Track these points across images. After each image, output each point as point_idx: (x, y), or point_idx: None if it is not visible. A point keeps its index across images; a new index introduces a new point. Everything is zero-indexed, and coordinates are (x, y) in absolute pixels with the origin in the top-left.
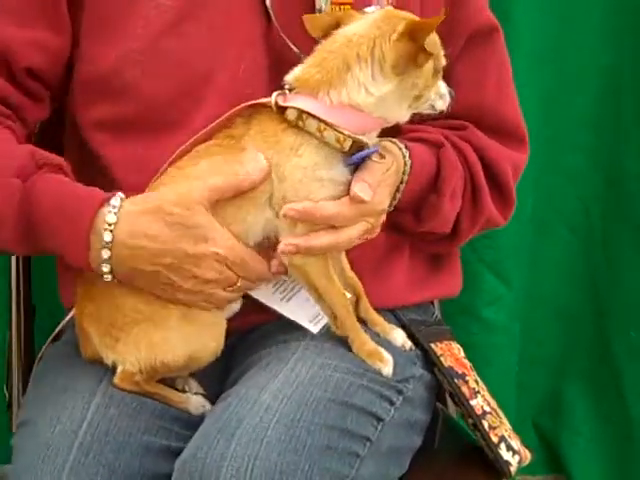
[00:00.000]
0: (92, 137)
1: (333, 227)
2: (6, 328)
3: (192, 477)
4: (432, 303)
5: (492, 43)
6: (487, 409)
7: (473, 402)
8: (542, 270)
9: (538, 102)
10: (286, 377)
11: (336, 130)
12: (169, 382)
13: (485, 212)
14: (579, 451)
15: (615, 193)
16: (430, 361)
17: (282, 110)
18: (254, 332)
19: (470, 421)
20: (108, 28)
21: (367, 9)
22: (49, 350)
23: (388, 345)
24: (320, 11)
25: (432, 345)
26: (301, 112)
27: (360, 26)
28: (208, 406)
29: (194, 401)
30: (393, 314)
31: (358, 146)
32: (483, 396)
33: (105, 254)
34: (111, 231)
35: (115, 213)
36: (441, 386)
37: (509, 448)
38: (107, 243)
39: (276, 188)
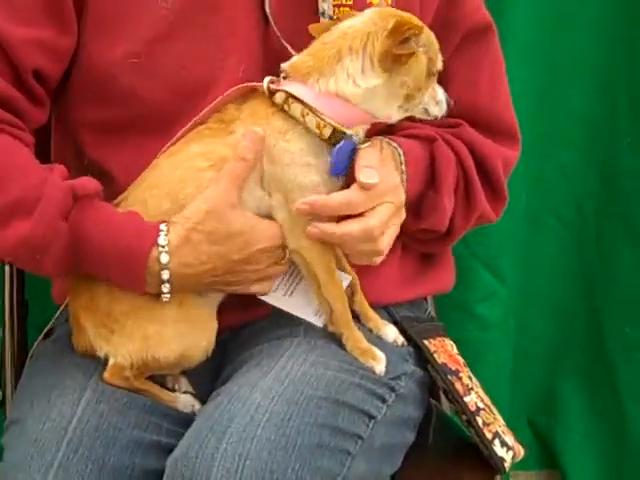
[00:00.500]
0: (86, 139)
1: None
2: None
3: (183, 476)
4: (425, 300)
5: (486, 42)
6: (481, 405)
7: (467, 398)
8: (536, 266)
9: (532, 98)
10: (277, 375)
11: (318, 116)
12: (159, 380)
13: (478, 209)
14: (573, 447)
15: (608, 189)
16: (423, 358)
17: (273, 94)
18: (246, 329)
19: (464, 417)
20: (107, 31)
21: (367, 10)
22: (40, 347)
23: (380, 342)
24: (323, 14)
25: (425, 342)
26: (288, 96)
27: (357, 21)
28: (197, 405)
29: (183, 400)
30: (386, 311)
31: (339, 136)
32: (477, 392)
33: (165, 288)
34: (168, 269)
35: (167, 252)
36: (434, 382)
37: (503, 444)
38: (166, 280)
39: (266, 169)
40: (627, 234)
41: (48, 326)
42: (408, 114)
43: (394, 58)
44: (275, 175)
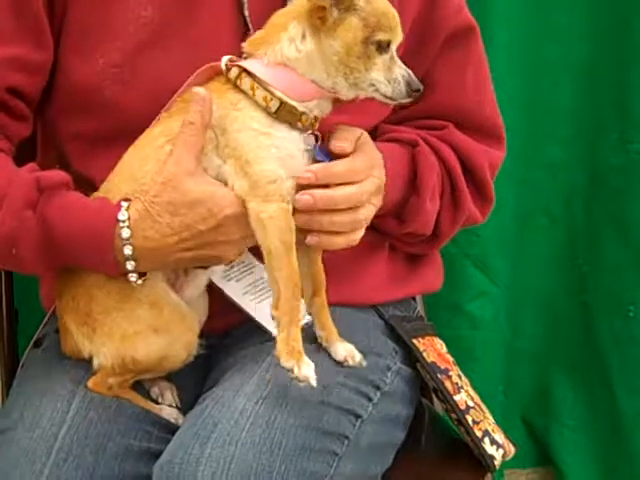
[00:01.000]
0: (70, 149)
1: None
2: None
3: None
4: (414, 299)
5: (470, 44)
6: (470, 404)
7: (457, 397)
8: (526, 264)
9: (518, 95)
10: (261, 378)
11: (266, 89)
12: (143, 392)
13: (465, 211)
14: (567, 444)
15: (596, 186)
16: (412, 356)
17: (229, 71)
18: (232, 333)
19: (454, 416)
20: (89, 42)
21: None
22: (30, 356)
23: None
24: None
25: (414, 341)
26: (241, 71)
27: None
28: (181, 419)
29: (167, 413)
30: (374, 310)
31: (289, 111)
32: (466, 391)
33: (130, 265)
34: (130, 244)
35: (127, 227)
36: (426, 382)
37: (493, 442)
38: (130, 255)
39: (220, 138)
40: (615, 229)
41: (37, 334)
42: (359, 91)
43: (318, 18)
44: (227, 142)
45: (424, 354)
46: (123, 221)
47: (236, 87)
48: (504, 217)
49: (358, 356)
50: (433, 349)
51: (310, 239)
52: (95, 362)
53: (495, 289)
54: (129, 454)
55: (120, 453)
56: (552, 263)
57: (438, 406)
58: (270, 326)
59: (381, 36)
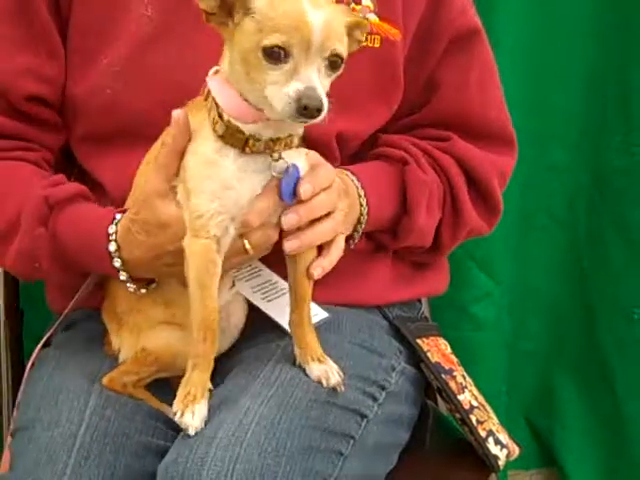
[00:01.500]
0: (79, 150)
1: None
2: None
3: None
4: (419, 301)
5: (474, 46)
6: (475, 404)
7: (461, 397)
8: (530, 265)
9: (523, 97)
10: (266, 378)
11: (217, 110)
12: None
13: (467, 224)
14: (571, 445)
15: (600, 187)
16: (417, 357)
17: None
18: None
19: (458, 416)
20: (91, 44)
21: None
22: (41, 355)
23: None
24: None
25: (419, 341)
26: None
27: None
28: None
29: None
30: (379, 310)
31: (232, 135)
32: (470, 391)
33: (123, 276)
34: (119, 257)
35: (115, 241)
36: (430, 383)
37: (497, 442)
38: (120, 267)
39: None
40: (619, 231)
41: (47, 334)
42: (264, 107)
43: (220, 23)
44: (183, 164)
45: (428, 354)
46: (111, 234)
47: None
48: (508, 219)
49: (334, 378)
50: (437, 349)
51: (316, 273)
52: (120, 357)
53: (499, 291)
54: (148, 452)
55: (139, 451)
56: (556, 265)
57: (442, 406)
58: (281, 321)
59: (275, 40)
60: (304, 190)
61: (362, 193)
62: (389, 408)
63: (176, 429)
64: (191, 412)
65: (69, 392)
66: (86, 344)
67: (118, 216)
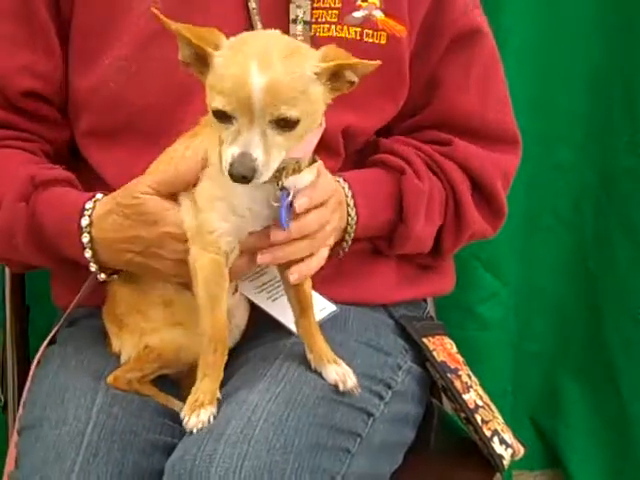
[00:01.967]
0: (84, 145)
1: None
2: (0, 330)
3: (181, 478)
4: (424, 300)
5: (476, 46)
6: (480, 403)
7: (466, 396)
8: (536, 266)
9: (529, 98)
10: (273, 376)
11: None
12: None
13: (469, 229)
14: (576, 446)
15: (606, 188)
16: (422, 356)
17: None
18: (244, 333)
19: (463, 415)
20: (96, 41)
21: (354, 14)
22: (46, 352)
23: (374, 333)
24: (295, 21)
25: (424, 340)
26: None
27: None
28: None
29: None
30: (385, 310)
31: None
32: (476, 390)
33: (87, 253)
34: (88, 232)
35: (89, 216)
36: (435, 382)
37: (502, 442)
38: (87, 243)
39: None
40: (625, 232)
41: (52, 331)
42: None
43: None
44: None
45: (434, 353)
46: (87, 209)
47: None
48: (514, 220)
49: (351, 381)
50: (443, 348)
51: (293, 277)
52: (122, 359)
53: (505, 291)
54: (156, 449)
55: (147, 448)
56: (561, 265)
57: (447, 406)
58: (285, 321)
59: (218, 103)
60: (299, 204)
61: (351, 203)
62: (395, 407)
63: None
64: (196, 416)
65: (76, 390)
66: (91, 341)
67: (99, 195)
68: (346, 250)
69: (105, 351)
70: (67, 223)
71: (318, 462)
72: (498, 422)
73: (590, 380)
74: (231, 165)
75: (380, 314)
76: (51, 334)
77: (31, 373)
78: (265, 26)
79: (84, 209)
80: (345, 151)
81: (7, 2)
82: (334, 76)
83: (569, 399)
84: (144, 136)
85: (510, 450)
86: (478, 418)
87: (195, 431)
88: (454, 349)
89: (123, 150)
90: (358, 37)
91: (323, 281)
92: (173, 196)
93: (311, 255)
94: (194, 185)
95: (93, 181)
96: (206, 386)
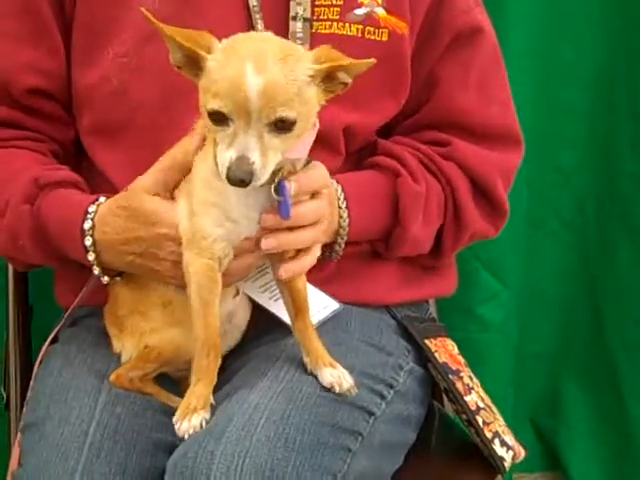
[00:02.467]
0: (87, 142)
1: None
2: (3, 329)
3: (183, 476)
4: (426, 301)
5: (476, 45)
6: (481, 405)
7: (467, 398)
8: (538, 267)
9: (532, 99)
10: (275, 375)
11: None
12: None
13: (469, 229)
14: (576, 448)
15: (609, 191)
16: (424, 357)
17: None
18: (245, 333)
19: (464, 417)
20: (98, 38)
21: (356, 11)
22: (49, 351)
23: (376, 332)
24: (295, 18)
25: (426, 341)
26: None
27: None
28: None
29: None
30: (387, 310)
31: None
32: (477, 392)
33: (90, 256)
34: (91, 235)
35: (91, 219)
36: (436, 383)
37: (503, 444)
38: (89, 246)
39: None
40: (628, 235)
41: (54, 331)
42: None
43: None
44: (190, 179)
45: (436, 354)
46: (90, 213)
47: None
48: (516, 220)
49: (347, 383)
50: (445, 350)
51: (285, 274)
52: (122, 359)
53: (506, 292)
54: (158, 448)
55: (150, 447)
56: (564, 267)
57: (448, 407)
58: (288, 320)
59: (215, 105)
60: (289, 187)
61: (343, 205)
62: (397, 407)
63: None
64: (187, 421)
65: (79, 389)
66: (94, 341)
67: (102, 199)
68: (340, 253)
69: (108, 351)
70: (70, 226)
71: (320, 460)
72: (499, 424)
73: (591, 382)
74: (228, 169)
75: (382, 314)
76: (53, 333)
77: (34, 372)
78: (266, 23)
79: (87, 212)
80: (346, 150)
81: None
82: (328, 77)
83: (570, 401)
84: (146, 133)
85: (511, 452)
86: (479, 420)
87: (186, 437)
88: (456, 350)
89: (126, 148)
90: (360, 34)
91: (325, 282)
92: (172, 196)
93: (304, 252)
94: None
95: (99, 180)
96: (199, 390)
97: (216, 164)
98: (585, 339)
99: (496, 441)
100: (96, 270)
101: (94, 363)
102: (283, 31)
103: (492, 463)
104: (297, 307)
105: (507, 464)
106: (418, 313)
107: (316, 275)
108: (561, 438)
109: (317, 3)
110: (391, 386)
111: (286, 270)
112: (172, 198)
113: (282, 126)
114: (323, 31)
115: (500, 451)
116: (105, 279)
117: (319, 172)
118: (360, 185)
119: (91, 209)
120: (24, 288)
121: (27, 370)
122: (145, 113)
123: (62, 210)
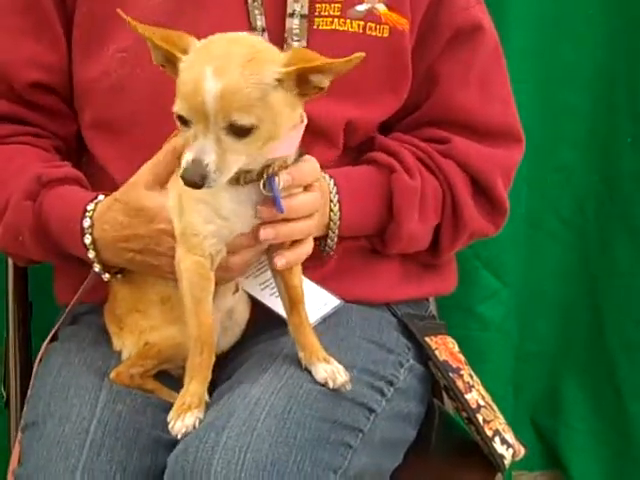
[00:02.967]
0: (87, 137)
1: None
2: (3, 326)
3: (184, 470)
4: (426, 299)
5: (475, 42)
6: (482, 403)
7: (468, 396)
8: (537, 266)
9: (532, 98)
10: (276, 371)
11: None
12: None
13: (468, 227)
14: (576, 447)
15: (609, 189)
16: (424, 354)
17: None
18: (247, 329)
19: (464, 415)
20: (99, 33)
21: (357, 7)
22: (48, 349)
23: (377, 330)
24: (293, 15)
25: (427, 339)
26: None
27: None
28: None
29: None
30: (388, 308)
31: None
32: (478, 390)
33: (90, 254)
34: (90, 234)
35: (90, 217)
36: (437, 381)
37: (503, 442)
38: (89, 244)
39: None
40: (628, 234)
41: (54, 328)
42: None
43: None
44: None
45: (436, 352)
46: (88, 211)
47: None
48: (516, 220)
49: (341, 378)
50: (445, 348)
51: (278, 262)
52: (123, 357)
53: (506, 291)
54: (159, 445)
55: (151, 445)
56: (563, 266)
57: (448, 405)
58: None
59: (177, 107)
60: (283, 180)
61: (335, 199)
62: (397, 404)
63: None
64: (181, 420)
65: (79, 387)
66: (94, 339)
67: (101, 197)
68: (333, 247)
69: (108, 348)
70: (70, 224)
71: (321, 456)
72: (500, 422)
73: (591, 381)
74: (184, 170)
75: (383, 312)
76: (53, 331)
77: (34, 370)
78: (266, 20)
79: (86, 211)
80: (345, 144)
81: None
82: (301, 81)
83: (570, 400)
84: (145, 129)
85: (511, 450)
86: (480, 418)
87: (179, 436)
88: (456, 348)
89: (126, 143)
90: (361, 30)
91: (326, 279)
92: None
93: (299, 242)
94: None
95: (100, 176)
96: (193, 388)
97: None
98: (585, 338)
99: (496, 439)
100: (97, 268)
101: (94, 361)
102: (282, 27)
103: (492, 461)
104: (292, 302)
105: (507, 462)
106: (418, 311)
107: (317, 272)
108: (561, 437)
109: None
110: (391, 383)
111: (280, 257)
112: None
113: (239, 131)
114: (324, 27)
115: (500, 449)
116: (106, 276)
117: (311, 165)
118: (353, 180)
119: (90, 207)
120: (24, 285)
121: (27, 368)
122: (144, 108)
123: (62, 208)
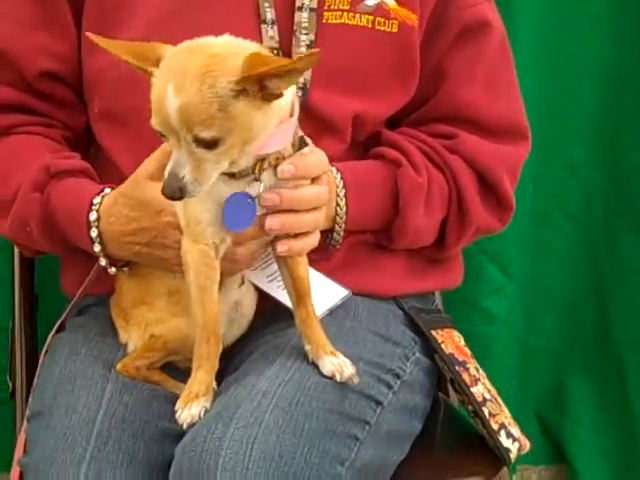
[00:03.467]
0: (96, 128)
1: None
2: (9, 317)
3: (191, 461)
4: (432, 293)
5: (483, 38)
6: (487, 396)
7: (474, 389)
8: (543, 261)
9: (539, 94)
10: (283, 363)
11: None
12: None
13: (474, 223)
14: (581, 441)
15: (616, 186)
16: (431, 348)
17: None
18: (253, 321)
19: (470, 408)
20: (106, 21)
21: (367, 2)
22: (55, 340)
23: (384, 323)
24: (301, 8)
25: (433, 332)
26: None
27: None
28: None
29: None
30: (394, 301)
31: None
32: (483, 384)
33: (97, 247)
34: (97, 227)
35: (97, 210)
36: (442, 375)
37: (509, 435)
38: (95, 238)
39: None
40: (634, 231)
41: (60, 319)
42: None
43: None
44: None
45: (442, 345)
46: (95, 204)
47: None
48: (522, 214)
49: (348, 371)
50: (451, 341)
51: (280, 247)
52: (129, 350)
53: (512, 285)
54: (166, 437)
55: (157, 436)
56: (570, 262)
57: (454, 399)
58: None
59: (152, 121)
60: (284, 169)
61: (342, 193)
62: (403, 397)
63: None
64: (188, 409)
65: (86, 378)
66: (100, 330)
67: (107, 190)
68: (339, 241)
69: (115, 340)
70: (77, 216)
71: (328, 447)
72: (505, 415)
73: (596, 376)
74: (163, 183)
75: (389, 305)
76: (59, 322)
77: (40, 361)
78: (275, 13)
79: (92, 204)
80: (352, 138)
81: None
82: (260, 84)
83: (575, 395)
84: (149, 120)
85: (517, 444)
86: (485, 411)
87: (185, 426)
88: (462, 342)
89: (133, 134)
90: (370, 25)
91: (332, 272)
92: None
93: (305, 234)
94: None
95: (107, 167)
96: (201, 377)
97: None
98: (590, 334)
99: (502, 432)
100: (103, 261)
101: (101, 352)
102: (291, 21)
103: (497, 454)
104: (299, 295)
105: (513, 455)
106: (424, 304)
107: (323, 265)
108: (566, 432)
109: None
110: (398, 376)
111: (283, 244)
112: None
113: (206, 144)
114: (333, 21)
115: (506, 442)
116: (112, 270)
117: (317, 157)
118: (360, 174)
119: (96, 200)
120: (30, 277)
121: (33, 359)
122: (149, 102)
123: (70, 200)
